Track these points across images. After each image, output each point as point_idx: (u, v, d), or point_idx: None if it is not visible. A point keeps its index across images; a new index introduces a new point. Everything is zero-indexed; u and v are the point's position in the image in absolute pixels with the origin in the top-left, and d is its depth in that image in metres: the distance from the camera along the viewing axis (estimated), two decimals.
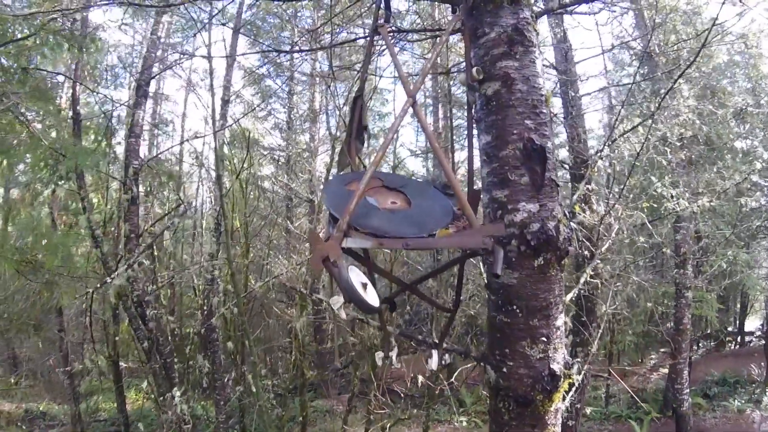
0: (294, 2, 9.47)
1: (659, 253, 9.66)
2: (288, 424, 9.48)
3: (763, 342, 14.19)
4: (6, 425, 9.83)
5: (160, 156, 11.01)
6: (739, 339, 17.46)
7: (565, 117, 7.77)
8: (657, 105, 5.46)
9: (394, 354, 2.37)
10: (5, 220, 9.46)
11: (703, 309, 12.04)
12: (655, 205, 6.09)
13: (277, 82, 15.40)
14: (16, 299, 9.14)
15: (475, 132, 2.19)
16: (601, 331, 5.06)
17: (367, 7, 6.24)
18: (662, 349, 14.82)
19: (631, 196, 5.66)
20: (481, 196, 2.10)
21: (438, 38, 4.02)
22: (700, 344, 16.18)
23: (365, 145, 2.31)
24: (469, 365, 6.74)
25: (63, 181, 6.87)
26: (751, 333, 17.74)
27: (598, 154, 5.33)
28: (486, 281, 2.03)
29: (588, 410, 8.62)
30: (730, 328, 17.53)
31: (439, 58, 7.94)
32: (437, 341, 2.38)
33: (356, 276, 1.54)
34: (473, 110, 2.17)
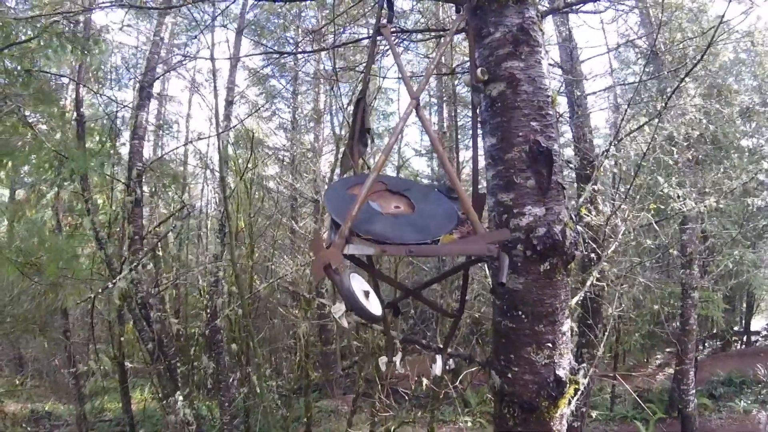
0: (297, 2, 9.45)
1: (665, 254, 9.60)
2: (293, 424, 9.48)
3: None
4: (11, 425, 9.87)
5: (164, 157, 11.01)
6: (745, 339, 17.38)
7: (570, 116, 7.72)
8: (664, 104, 5.40)
9: (397, 359, 2.35)
10: (11, 221, 9.50)
11: (709, 309, 11.97)
12: (662, 207, 6.04)
13: (281, 82, 15.41)
14: (21, 300, 9.16)
15: (479, 134, 2.15)
16: (607, 333, 5.01)
17: (370, 7, 6.22)
18: (668, 349, 14.74)
19: (638, 197, 5.60)
20: (486, 199, 2.07)
21: (442, 38, 3.99)
22: (705, 344, 16.12)
23: (368, 147, 2.28)
24: (474, 369, 6.70)
25: (68, 183, 6.88)
26: (757, 333, 17.66)
27: (605, 154, 5.28)
28: (491, 285, 2.00)
29: (594, 414, 8.57)
30: (736, 328, 17.43)
31: (443, 58, 7.91)
32: (441, 346, 2.35)
33: (358, 284, 1.51)
34: (478, 112, 2.13)
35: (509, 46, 1.99)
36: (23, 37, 4.47)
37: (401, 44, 5.51)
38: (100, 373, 8.64)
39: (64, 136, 6.43)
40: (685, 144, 7.66)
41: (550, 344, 1.91)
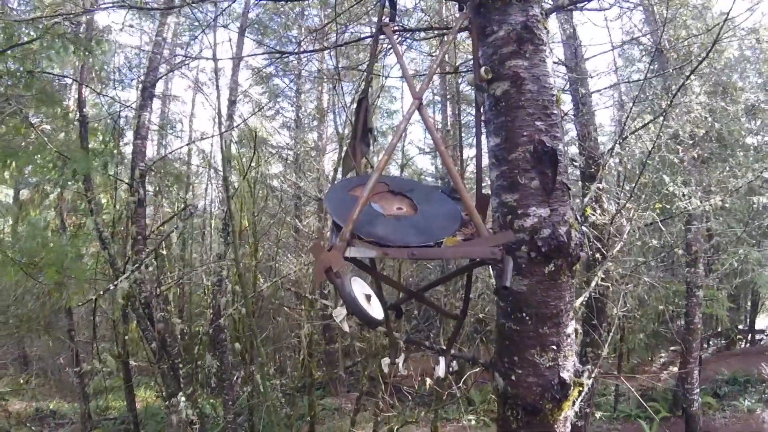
0: (299, 1, 9.44)
1: (670, 252, 9.55)
2: (296, 422, 9.50)
3: None
4: (16, 424, 9.91)
5: (167, 157, 11.02)
6: (749, 337, 17.31)
7: (575, 114, 7.68)
8: (669, 102, 5.36)
9: (400, 360, 2.33)
10: (15, 220, 9.53)
11: (714, 308, 11.93)
12: (668, 206, 6.00)
13: (284, 81, 15.40)
14: (25, 299, 9.20)
15: (483, 133, 2.13)
16: (611, 334, 4.98)
17: (373, 5, 6.19)
18: (672, 348, 14.70)
19: (644, 196, 5.57)
20: (490, 200, 2.04)
21: (445, 37, 3.96)
22: (710, 342, 16.06)
23: (372, 146, 2.26)
24: (477, 369, 6.68)
25: (72, 182, 6.90)
26: (762, 331, 17.59)
27: (609, 153, 5.24)
28: (495, 286, 1.98)
29: (598, 415, 8.54)
30: (740, 327, 17.37)
31: (446, 56, 7.87)
32: (445, 347, 2.33)
33: (359, 287, 1.50)
34: (482, 111, 2.11)
35: (513, 45, 1.95)
36: (25, 39, 4.48)
37: (404, 43, 5.49)
38: (105, 372, 8.67)
39: (67, 136, 6.44)
40: (691, 142, 7.61)
41: (554, 347, 1.89)
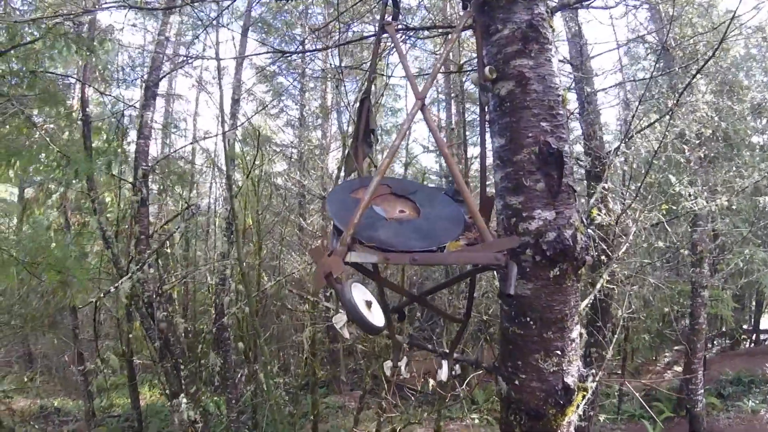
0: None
1: (675, 253, 9.50)
2: (300, 420, 9.50)
3: None
4: (21, 421, 9.95)
5: (171, 156, 11.04)
6: (754, 337, 17.25)
7: (580, 113, 7.63)
8: (675, 101, 5.31)
9: (403, 363, 2.31)
10: (20, 219, 9.57)
11: (719, 308, 11.86)
12: (674, 207, 5.94)
13: (288, 79, 15.37)
14: (30, 298, 9.24)
15: (488, 133, 2.09)
16: (616, 336, 4.94)
17: (376, 3, 6.16)
18: (676, 347, 14.64)
19: (650, 197, 5.52)
20: (495, 202, 2.01)
21: (449, 36, 3.93)
22: (714, 342, 16.00)
23: (375, 145, 2.23)
24: (480, 372, 6.65)
25: (75, 181, 6.91)
26: (766, 331, 17.50)
27: (615, 152, 5.19)
28: (499, 290, 1.95)
29: (602, 418, 8.51)
30: (745, 326, 17.30)
31: (450, 55, 7.82)
32: (448, 351, 2.30)
33: (360, 293, 1.47)
34: (486, 111, 2.07)
35: (518, 44, 1.91)
36: (28, 39, 4.47)
37: (407, 42, 5.45)
38: (109, 370, 8.70)
39: (71, 136, 6.44)
40: (697, 142, 7.55)
41: (558, 351, 1.86)
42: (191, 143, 13.89)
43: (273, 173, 13.26)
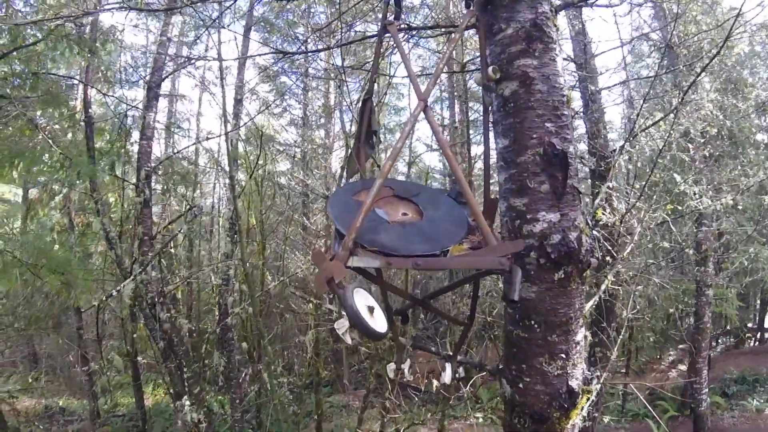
0: None
1: (681, 253, 9.44)
2: (304, 420, 9.51)
3: None
4: (25, 422, 10.00)
5: (173, 157, 11.05)
6: (758, 335, 17.15)
7: (584, 112, 7.59)
8: (680, 99, 5.26)
9: (406, 366, 2.29)
10: (24, 219, 9.60)
11: (724, 306, 11.80)
12: (680, 207, 5.90)
13: (291, 78, 15.35)
14: (34, 299, 9.27)
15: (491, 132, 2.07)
16: (621, 337, 4.91)
17: (378, 2, 6.13)
18: (680, 346, 14.58)
19: (655, 197, 5.47)
20: (498, 204, 1.98)
21: (451, 35, 3.90)
22: (719, 341, 15.92)
23: (379, 145, 2.21)
24: (484, 373, 6.63)
25: (79, 182, 6.92)
26: None
27: (620, 151, 5.16)
28: (503, 292, 1.93)
29: (606, 419, 8.47)
30: (749, 325, 17.20)
31: (453, 53, 7.79)
32: (451, 353, 2.28)
33: (362, 298, 1.45)
34: (490, 112, 2.05)
35: (522, 43, 1.89)
36: (30, 40, 4.47)
37: (410, 41, 5.42)
38: (113, 370, 8.74)
39: (74, 137, 6.45)
40: (702, 141, 7.50)
41: (563, 355, 1.84)
42: (194, 144, 13.90)
43: (276, 172, 13.26)
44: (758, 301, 17.31)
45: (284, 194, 12.81)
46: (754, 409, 10.80)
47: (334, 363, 13.76)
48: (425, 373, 8.43)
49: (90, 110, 6.78)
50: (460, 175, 1.70)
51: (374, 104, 2.20)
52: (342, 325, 1.48)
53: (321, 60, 11.68)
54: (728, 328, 16.22)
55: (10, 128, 5.69)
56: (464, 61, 8.05)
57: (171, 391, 7.57)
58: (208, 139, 10.53)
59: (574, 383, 1.86)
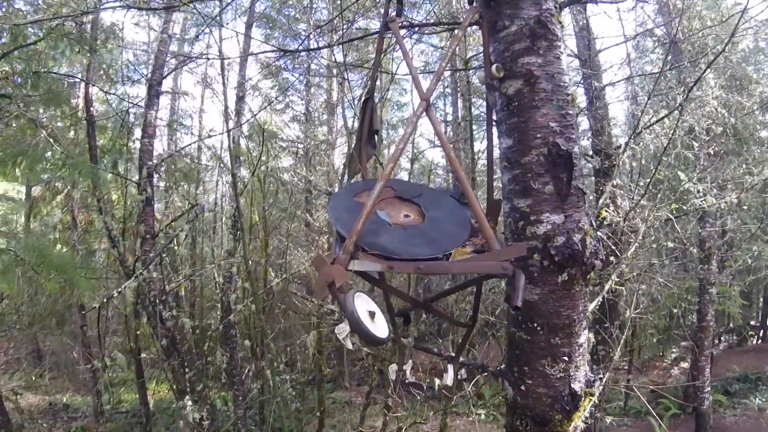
0: None
1: (686, 251, 9.39)
2: (306, 416, 9.53)
3: None
4: (29, 419, 10.05)
5: (175, 155, 11.04)
6: (761, 334, 17.11)
7: (588, 109, 7.54)
8: (685, 96, 5.21)
9: (408, 367, 2.27)
10: (27, 217, 9.62)
11: (727, 304, 11.76)
12: (684, 207, 5.85)
13: (294, 74, 15.29)
14: (38, 296, 9.30)
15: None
16: (624, 338, 4.88)
17: None
18: (683, 343, 14.55)
19: (659, 195, 5.43)
20: (502, 205, 1.96)
21: (454, 32, 3.86)
22: (721, 339, 15.89)
23: (377, 149, 2.18)
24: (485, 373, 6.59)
25: (81, 180, 6.93)
26: None
27: (624, 149, 5.11)
28: (506, 294, 1.91)
29: (608, 420, 8.46)
30: (752, 323, 17.16)
31: (456, 49, 7.73)
32: (453, 354, 2.26)
33: (363, 303, 1.43)
34: (493, 111, 2.01)
35: (526, 41, 1.84)
36: (32, 39, 4.46)
37: (412, 37, 5.38)
38: (117, 369, 8.78)
39: (76, 135, 6.45)
40: (707, 138, 7.45)
41: (565, 357, 1.82)
42: (195, 141, 13.89)
43: (279, 169, 13.23)
44: (761, 300, 17.27)
45: (287, 191, 12.79)
46: (756, 408, 10.79)
47: (337, 359, 13.77)
48: (428, 370, 8.42)
49: (92, 108, 6.77)
50: (462, 176, 1.68)
51: (376, 103, 2.17)
52: (343, 330, 1.46)
53: (323, 57, 11.65)
54: (731, 326, 16.19)
55: (14, 126, 5.68)
56: (467, 57, 7.97)
57: (174, 387, 7.59)
58: (209, 136, 10.52)
59: (577, 386, 1.85)
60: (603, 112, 7.50)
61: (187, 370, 6.89)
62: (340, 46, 7.65)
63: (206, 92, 17.62)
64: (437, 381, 4.40)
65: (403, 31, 3.04)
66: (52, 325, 10.93)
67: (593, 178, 7.59)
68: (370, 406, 9.04)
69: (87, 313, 9.78)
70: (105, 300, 6.27)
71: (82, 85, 6.79)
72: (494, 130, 2.05)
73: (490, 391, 11.50)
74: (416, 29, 4.89)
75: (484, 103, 2.16)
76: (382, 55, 2.60)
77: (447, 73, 15.07)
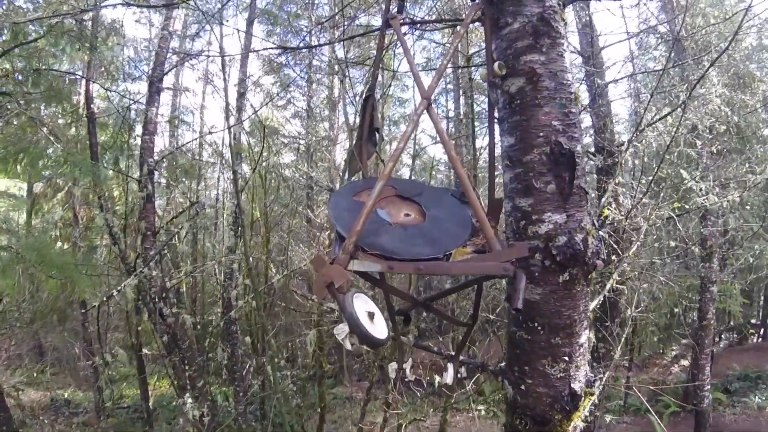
0: None
1: (688, 250, 9.38)
2: (307, 412, 9.54)
3: None
4: (31, 416, 10.08)
5: (176, 151, 11.04)
6: (762, 332, 17.11)
7: (590, 106, 7.51)
8: (688, 93, 5.19)
9: (408, 366, 2.27)
10: (28, 214, 9.63)
11: (728, 303, 11.76)
12: (686, 205, 5.84)
13: (295, 70, 15.26)
14: (39, 292, 9.32)
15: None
16: (625, 337, 4.87)
17: None
18: (684, 341, 14.55)
19: (662, 194, 5.41)
20: (503, 204, 1.94)
21: (456, 28, 3.84)
22: (722, 337, 15.89)
23: (378, 147, 2.17)
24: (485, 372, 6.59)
25: (82, 176, 6.94)
26: None
27: (626, 147, 5.09)
28: (507, 293, 1.90)
29: (608, 419, 8.46)
30: (753, 321, 17.15)
31: (459, 46, 7.71)
32: (453, 353, 2.26)
33: (362, 304, 1.42)
34: (495, 110, 2.00)
35: (529, 38, 1.83)
36: (33, 36, 4.45)
37: (413, 34, 5.35)
38: (117, 363, 8.80)
39: (77, 132, 6.45)
40: (710, 137, 7.42)
41: (566, 357, 1.81)
42: (197, 138, 13.90)
43: (281, 165, 13.22)
44: (762, 298, 17.26)
45: (288, 187, 12.78)
46: (756, 407, 10.80)
47: (338, 355, 13.79)
48: (428, 366, 8.43)
49: (92, 105, 6.76)
50: (463, 175, 1.67)
51: (377, 100, 2.16)
52: (342, 331, 1.45)
53: (323, 54, 11.62)
54: (732, 324, 16.19)
55: (15, 123, 5.69)
56: (470, 53, 7.94)
57: (175, 383, 7.61)
58: (210, 133, 10.50)
59: (577, 386, 1.84)
60: (606, 110, 7.47)
61: (188, 366, 6.90)
62: (342, 43, 7.62)
63: (207, 89, 17.63)
64: (437, 378, 4.41)
65: (404, 28, 3.02)
66: (54, 322, 10.95)
67: (595, 175, 7.58)
68: (371, 401, 9.05)
69: (88, 310, 9.81)
70: (105, 298, 6.28)
71: (83, 82, 6.79)
72: (496, 128, 2.04)
73: (491, 388, 11.52)
74: (417, 26, 4.86)
75: (486, 100, 2.15)
76: (384, 53, 2.59)
77: (449, 70, 15.04)
